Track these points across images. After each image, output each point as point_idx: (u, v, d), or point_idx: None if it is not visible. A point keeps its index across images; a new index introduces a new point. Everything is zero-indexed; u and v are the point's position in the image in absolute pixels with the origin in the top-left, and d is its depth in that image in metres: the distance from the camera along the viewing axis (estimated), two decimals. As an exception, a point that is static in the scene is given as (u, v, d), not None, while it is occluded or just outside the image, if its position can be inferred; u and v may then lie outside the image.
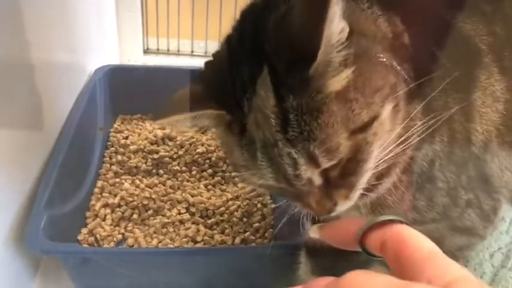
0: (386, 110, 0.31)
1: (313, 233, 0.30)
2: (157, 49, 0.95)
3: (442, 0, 0.37)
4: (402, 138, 0.34)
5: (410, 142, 0.34)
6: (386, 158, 0.33)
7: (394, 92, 0.32)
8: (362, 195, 0.35)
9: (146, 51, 0.95)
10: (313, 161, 0.30)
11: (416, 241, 0.20)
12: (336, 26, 0.28)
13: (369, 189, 0.35)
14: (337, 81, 0.30)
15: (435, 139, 0.37)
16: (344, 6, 0.28)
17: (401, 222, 0.21)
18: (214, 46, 1.11)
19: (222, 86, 0.34)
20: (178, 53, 0.96)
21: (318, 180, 0.32)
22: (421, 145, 0.37)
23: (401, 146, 0.34)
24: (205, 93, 0.34)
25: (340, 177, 0.32)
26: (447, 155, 0.38)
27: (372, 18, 0.33)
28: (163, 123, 0.36)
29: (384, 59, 0.31)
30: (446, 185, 0.39)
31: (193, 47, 0.97)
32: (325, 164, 0.30)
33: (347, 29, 0.29)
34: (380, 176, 0.36)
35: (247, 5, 0.36)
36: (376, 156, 0.32)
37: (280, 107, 0.30)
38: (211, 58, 0.38)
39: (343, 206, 0.33)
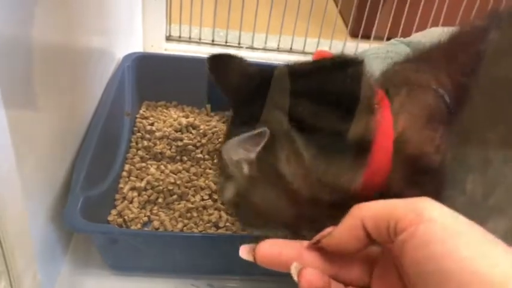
0: None
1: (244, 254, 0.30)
2: (179, 36, 0.98)
3: None
4: None
5: None
6: None
7: None
8: None
9: (168, 38, 0.97)
10: None
11: None
12: None
13: None
14: None
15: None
16: None
17: None
18: (235, 36, 1.13)
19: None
20: (199, 41, 0.98)
21: None
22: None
23: None
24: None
25: None
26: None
27: None
28: None
29: None
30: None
31: (214, 36, 0.99)
32: None
33: None
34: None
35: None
36: None
37: None
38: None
39: None
